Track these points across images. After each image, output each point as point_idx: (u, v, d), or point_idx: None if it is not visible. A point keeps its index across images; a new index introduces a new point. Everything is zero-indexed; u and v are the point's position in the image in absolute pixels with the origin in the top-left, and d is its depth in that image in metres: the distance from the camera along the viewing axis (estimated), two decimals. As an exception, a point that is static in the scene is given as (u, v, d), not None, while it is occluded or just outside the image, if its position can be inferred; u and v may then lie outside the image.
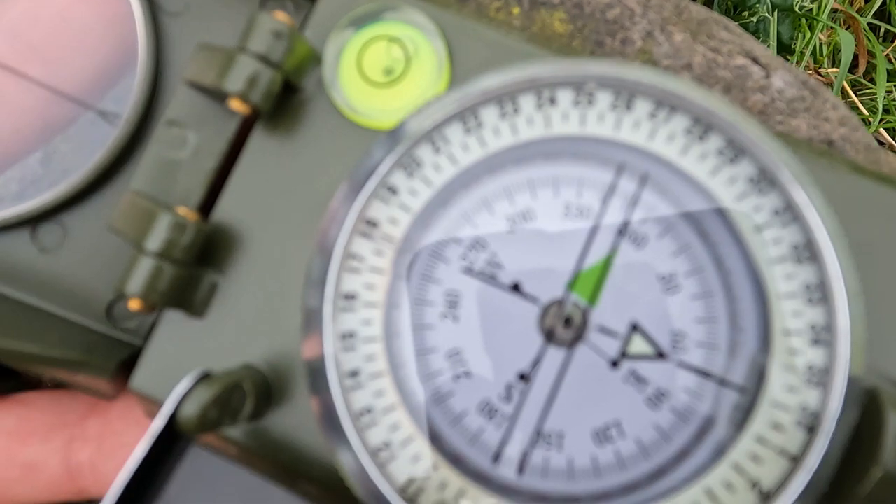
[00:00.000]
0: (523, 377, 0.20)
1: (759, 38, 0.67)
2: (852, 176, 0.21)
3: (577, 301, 0.20)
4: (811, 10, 0.76)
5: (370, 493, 0.19)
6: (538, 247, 0.20)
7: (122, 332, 0.23)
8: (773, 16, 0.74)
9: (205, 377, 0.19)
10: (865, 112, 0.69)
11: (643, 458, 0.19)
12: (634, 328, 0.20)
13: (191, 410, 0.18)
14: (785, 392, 0.18)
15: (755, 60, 0.30)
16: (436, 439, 0.19)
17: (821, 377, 0.18)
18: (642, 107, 0.19)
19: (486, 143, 0.20)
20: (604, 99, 0.19)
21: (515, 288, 0.20)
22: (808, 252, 0.19)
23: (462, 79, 0.21)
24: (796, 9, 0.74)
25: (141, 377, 0.22)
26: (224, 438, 0.21)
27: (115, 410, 0.26)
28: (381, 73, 0.22)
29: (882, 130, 0.68)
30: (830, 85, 0.70)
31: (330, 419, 0.19)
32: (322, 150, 0.22)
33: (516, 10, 0.31)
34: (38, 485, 0.25)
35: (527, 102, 0.20)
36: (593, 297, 0.20)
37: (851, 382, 0.18)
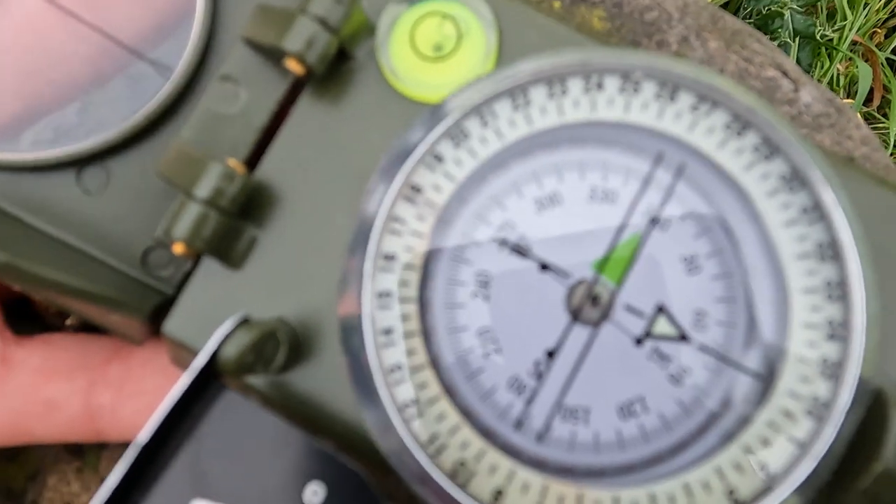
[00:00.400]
0: (551, 354, 0.21)
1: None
2: (876, 187, 0.22)
3: (604, 282, 0.21)
4: (832, 39, 0.77)
5: (393, 448, 0.19)
6: (566, 229, 0.21)
7: (155, 280, 0.24)
8: (794, 42, 0.75)
9: (244, 322, 0.20)
10: (877, 144, 0.70)
11: (665, 431, 0.20)
12: (660, 310, 0.20)
13: (231, 351, 0.19)
14: (798, 381, 0.19)
15: (785, 74, 0.31)
16: (466, 414, 0.20)
17: (834, 370, 0.19)
18: (685, 99, 0.20)
19: (533, 120, 0.21)
20: (649, 88, 0.20)
21: (544, 268, 0.21)
22: (831, 251, 0.19)
23: (509, 62, 0.21)
24: (817, 37, 0.75)
25: (174, 322, 0.22)
26: (247, 387, 0.22)
27: (136, 357, 0.26)
28: (431, 48, 0.23)
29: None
30: (845, 113, 0.71)
31: (360, 373, 0.20)
32: (367, 118, 0.23)
33: (557, 5, 0.31)
34: (57, 422, 0.26)
35: (575, 85, 0.20)
36: (620, 279, 0.21)
37: (860, 382, 0.19)
